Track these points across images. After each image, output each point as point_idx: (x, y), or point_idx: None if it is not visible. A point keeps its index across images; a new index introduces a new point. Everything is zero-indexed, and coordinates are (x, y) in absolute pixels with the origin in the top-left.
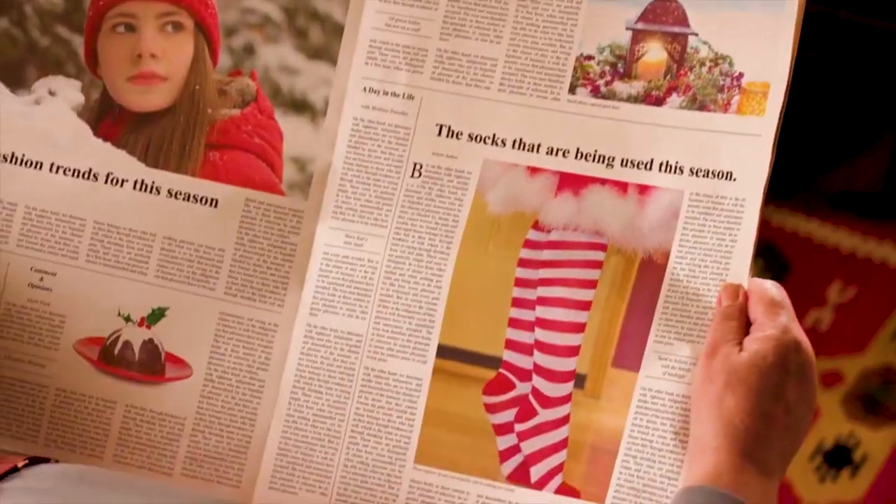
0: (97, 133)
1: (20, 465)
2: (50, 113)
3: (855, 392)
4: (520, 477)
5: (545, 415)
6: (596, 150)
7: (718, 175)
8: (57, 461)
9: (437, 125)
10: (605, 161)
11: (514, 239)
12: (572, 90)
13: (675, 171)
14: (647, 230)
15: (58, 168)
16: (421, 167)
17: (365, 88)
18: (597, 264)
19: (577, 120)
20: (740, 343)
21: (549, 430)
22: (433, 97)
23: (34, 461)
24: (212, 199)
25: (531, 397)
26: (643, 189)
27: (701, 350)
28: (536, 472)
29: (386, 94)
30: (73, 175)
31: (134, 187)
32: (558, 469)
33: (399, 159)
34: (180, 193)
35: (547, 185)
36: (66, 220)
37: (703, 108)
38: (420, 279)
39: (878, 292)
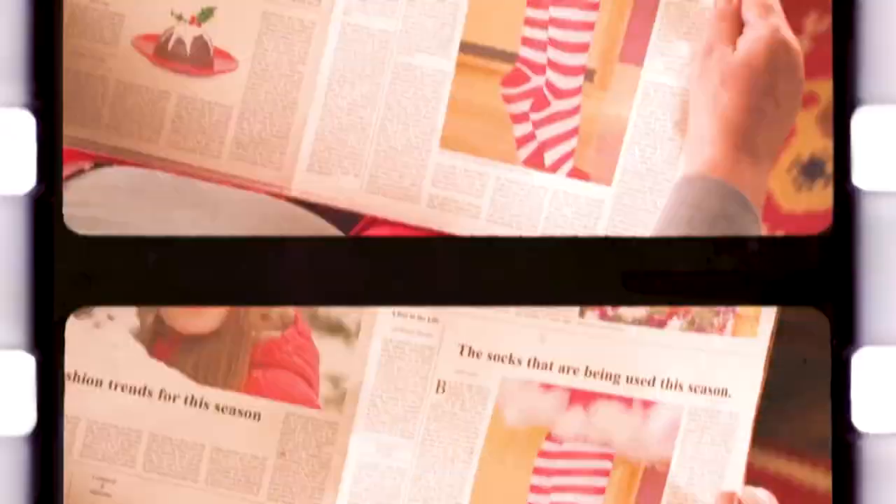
0: (152, 354)
1: (87, 167)
2: (109, 336)
3: (828, 111)
4: (535, 161)
5: (557, 105)
6: (603, 368)
7: (715, 392)
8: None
9: (459, 345)
10: (612, 378)
11: (530, 450)
12: (581, 314)
13: (675, 388)
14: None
15: (115, 385)
16: (445, 384)
17: (394, 313)
18: (604, 472)
19: (586, 341)
20: (734, 44)
21: (561, 119)
22: (455, 320)
23: (99, 165)
24: (255, 413)
25: (545, 89)
26: (646, 404)
27: (698, 48)
28: (550, 157)
29: (412, 317)
30: (130, 392)
31: (185, 403)
32: (570, 154)
33: (425, 377)
34: (226, 408)
35: (559, 401)
36: None
37: (700, 330)
38: (444, 485)
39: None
